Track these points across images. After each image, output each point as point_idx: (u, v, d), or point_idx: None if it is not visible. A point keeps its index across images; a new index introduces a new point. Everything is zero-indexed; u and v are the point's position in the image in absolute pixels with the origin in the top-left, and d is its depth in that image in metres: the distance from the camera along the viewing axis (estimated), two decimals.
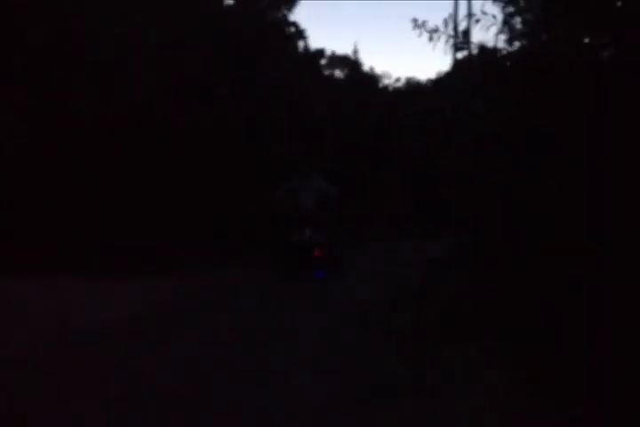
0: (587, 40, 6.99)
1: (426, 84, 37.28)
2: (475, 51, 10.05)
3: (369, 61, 74.38)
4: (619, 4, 6.67)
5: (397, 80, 38.27)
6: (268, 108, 16.37)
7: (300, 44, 25.85)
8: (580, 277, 6.44)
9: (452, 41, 8.58)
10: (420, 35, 8.42)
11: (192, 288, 10.73)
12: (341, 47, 72.68)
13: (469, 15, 9.34)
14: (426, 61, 69.76)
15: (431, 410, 4.46)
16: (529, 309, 6.58)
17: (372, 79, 34.96)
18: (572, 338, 5.57)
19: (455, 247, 13.36)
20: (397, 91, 36.63)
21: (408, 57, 61.19)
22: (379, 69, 51.07)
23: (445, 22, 8.34)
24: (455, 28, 8.92)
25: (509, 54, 8.46)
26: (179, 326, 7.49)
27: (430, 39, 8.40)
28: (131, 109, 13.80)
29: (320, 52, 31.23)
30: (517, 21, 8.21)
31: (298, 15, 64.25)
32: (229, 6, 19.54)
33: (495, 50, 8.72)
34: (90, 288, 9.91)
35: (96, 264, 11.42)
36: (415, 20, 8.29)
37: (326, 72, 33.19)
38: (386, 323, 7.51)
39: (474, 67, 10.15)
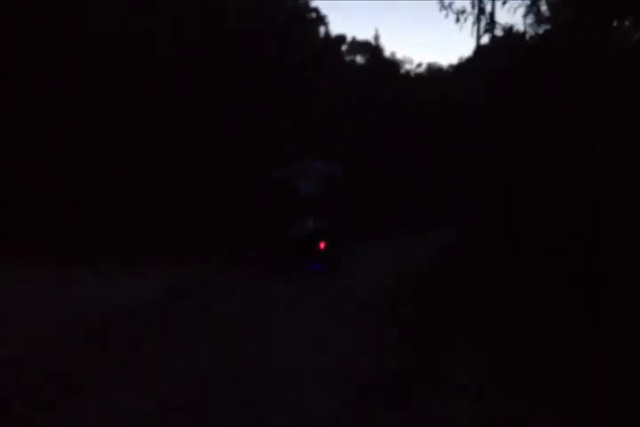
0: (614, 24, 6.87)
1: (447, 70, 36.80)
2: (500, 33, 9.84)
3: (390, 47, 73.37)
4: None
5: (419, 65, 37.95)
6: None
7: (322, 29, 25.93)
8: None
9: (479, 22, 8.42)
10: (446, 16, 8.31)
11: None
12: (362, 33, 71.36)
13: None
14: (448, 47, 68.39)
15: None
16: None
17: (392, 65, 34.58)
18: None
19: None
20: (419, 77, 35.96)
21: (430, 42, 60.33)
22: (400, 55, 50.25)
23: (473, 3, 8.22)
24: (480, 9, 8.69)
25: (536, 37, 8.30)
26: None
27: (457, 20, 8.27)
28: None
29: (341, 38, 31.18)
30: (543, 3, 8.07)
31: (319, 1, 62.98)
32: None
33: (523, 33, 8.56)
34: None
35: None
36: (441, 1, 8.18)
37: (347, 58, 33.03)
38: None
39: (499, 49, 9.92)
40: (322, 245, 10.91)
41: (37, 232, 12.28)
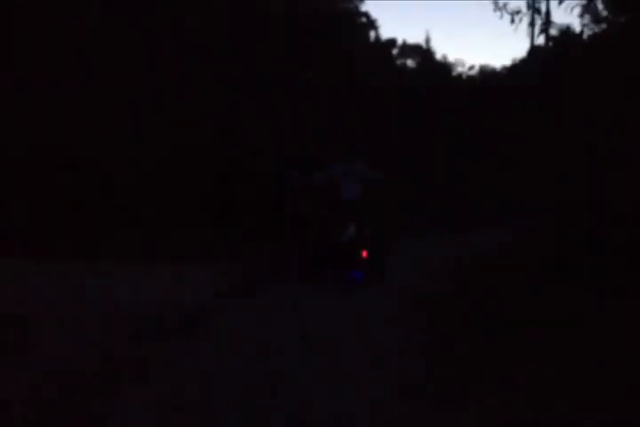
0: None
1: (501, 72, 35.88)
2: (555, 33, 9.47)
3: (442, 49, 71.58)
4: None
5: (471, 68, 36.97)
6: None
7: (372, 33, 25.81)
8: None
9: (533, 22, 8.21)
10: (501, 17, 8.18)
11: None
12: (413, 36, 69.96)
13: None
14: (501, 49, 67.13)
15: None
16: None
17: (444, 68, 34.09)
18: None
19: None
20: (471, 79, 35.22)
21: (482, 44, 59.71)
22: (452, 57, 49.69)
23: (528, 3, 8.07)
24: (535, 9, 8.49)
25: (593, 36, 8.08)
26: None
27: (512, 21, 8.13)
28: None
29: (392, 42, 30.92)
30: (600, 2, 7.81)
31: (369, 5, 62.15)
32: None
33: (580, 33, 8.31)
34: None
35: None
36: (496, 2, 8.04)
37: (398, 62, 32.58)
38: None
39: (554, 49, 9.64)
40: (364, 254, 9.98)
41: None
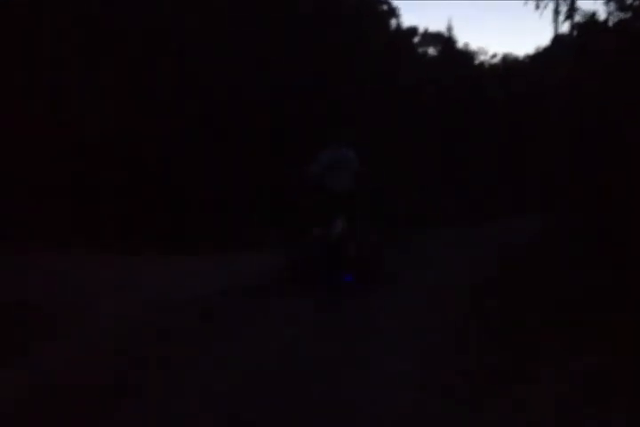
0: None
1: (524, 60, 35.73)
2: (580, 20, 9.28)
3: (464, 37, 68.89)
4: None
5: (493, 56, 36.76)
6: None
7: (393, 22, 25.66)
8: None
9: (558, 9, 8.14)
10: (525, 3, 8.12)
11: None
12: (435, 24, 69.07)
13: None
14: (524, 37, 65.78)
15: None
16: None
17: (466, 56, 33.79)
18: None
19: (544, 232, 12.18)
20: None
21: (505, 32, 59.18)
22: (474, 46, 48.50)
23: None
24: None
25: (619, 23, 7.97)
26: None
27: (537, 7, 8.09)
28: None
29: (413, 30, 30.67)
30: None
31: None
32: None
33: (605, 21, 8.20)
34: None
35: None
36: None
37: (420, 50, 32.33)
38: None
39: (579, 37, 9.43)
40: (352, 253, 8.84)
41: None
